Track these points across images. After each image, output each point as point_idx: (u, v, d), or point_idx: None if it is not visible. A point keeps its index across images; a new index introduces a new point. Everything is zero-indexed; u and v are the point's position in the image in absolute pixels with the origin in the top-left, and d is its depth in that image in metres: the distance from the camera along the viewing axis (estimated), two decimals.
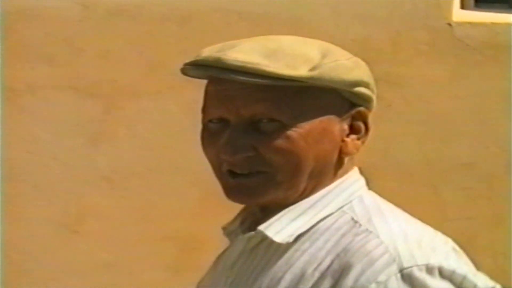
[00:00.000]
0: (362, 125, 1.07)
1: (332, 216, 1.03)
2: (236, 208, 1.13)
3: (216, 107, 1.04)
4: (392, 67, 2.50)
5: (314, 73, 1.00)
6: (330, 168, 1.06)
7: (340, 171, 1.07)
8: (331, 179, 1.06)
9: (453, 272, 0.96)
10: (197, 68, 1.03)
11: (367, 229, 1.00)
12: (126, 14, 2.47)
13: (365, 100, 1.07)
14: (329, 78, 1.01)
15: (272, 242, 1.02)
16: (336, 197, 1.05)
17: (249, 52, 1.00)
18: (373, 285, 0.94)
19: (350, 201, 1.05)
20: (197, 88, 2.44)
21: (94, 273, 2.53)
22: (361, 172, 1.11)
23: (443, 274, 0.95)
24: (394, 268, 0.94)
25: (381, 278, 0.94)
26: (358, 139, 1.07)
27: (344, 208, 1.04)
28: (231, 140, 1.01)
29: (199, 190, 2.47)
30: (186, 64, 1.05)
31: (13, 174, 2.52)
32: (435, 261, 0.95)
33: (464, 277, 0.96)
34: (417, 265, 0.95)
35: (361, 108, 1.06)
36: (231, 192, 1.04)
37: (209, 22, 2.44)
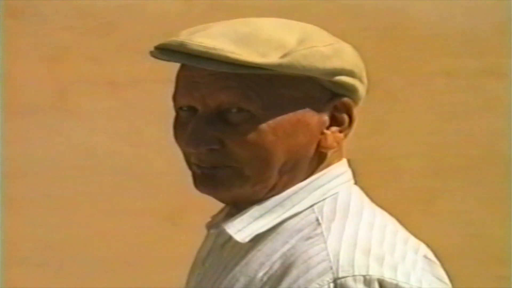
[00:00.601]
0: (345, 117, 0.98)
1: (301, 214, 0.97)
2: None
3: (184, 95, 0.98)
4: (498, 58, 2.48)
5: (284, 61, 0.92)
6: (306, 163, 0.98)
7: (320, 166, 0.99)
8: (306, 174, 0.99)
9: (396, 285, 0.88)
10: (162, 52, 0.96)
11: (321, 233, 0.93)
12: (228, 8, 2.51)
13: (349, 90, 0.98)
14: (300, 66, 0.93)
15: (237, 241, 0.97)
16: (309, 194, 0.97)
17: (217, 36, 0.93)
18: None
19: (324, 199, 0.98)
20: None
21: None
22: (350, 165, 1.03)
23: (383, 286, 0.87)
24: (328, 277, 0.88)
25: (313, 286, 0.88)
26: (341, 131, 0.99)
27: (315, 207, 0.97)
28: (194, 131, 0.95)
29: None
30: (154, 47, 0.99)
31: (116, 167, 2.60)
32: (375, 272, 0.87)
33: None
34: (353, 276, 0.87)
35: (345, 99, 0.98)
36: (198, 183, 0.99)
37: (312, 14, 2.46)
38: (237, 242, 0.97)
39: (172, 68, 2.52)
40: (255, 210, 0.97)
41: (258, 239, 0.96)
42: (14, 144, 2.59)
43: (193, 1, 2.53)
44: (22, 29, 2.54)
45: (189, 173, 2.56)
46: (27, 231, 2.61)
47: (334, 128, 0.98)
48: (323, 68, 0.94)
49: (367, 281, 0.86)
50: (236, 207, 1.00)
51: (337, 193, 0.98)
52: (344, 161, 1.02)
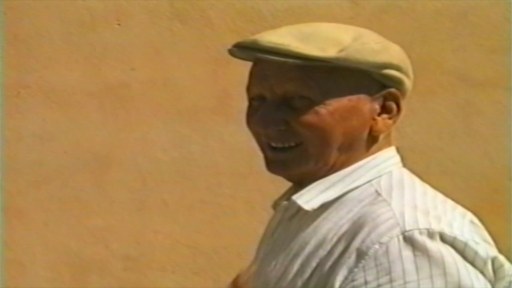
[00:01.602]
0: (394, 106, 1.14)
1: (360, 188, 1.12)
2: None
3: (255, 86, 1.15)
4: None
5: (340, 55, 1.08)
6: (361, 144, 1.14)
7: (373, 148, 1.15)
8: (362, 155, 1.15)
9: (454, 238, 1.03)
10: (239, 50, 1.15)
11: (384, 200, 1.08)
12: (398, 10, 2.50)
13: (396, 82, 1.14)
14: (354, 60, 1.09)
15: (306, 212, 1.12)
16: (366, 172, 1.13)
17: (284, 35, 1.10)
18: (377, 245, 1.02)
19: (380, 176, 1.13)
20: (472, 88, 2.50)
21: None
22: (398, 151, 1.18)
23: (444, 239, 1.02)
24: (396, 231, 1.02)
25: (384, 239, 1.02)
26: (390, 118, 1.15)
27: (372, 182, 1.13)
28: (264, 114, 1.12)
29: (470, 197, 2.42)
30: (232, 46, 1.16)
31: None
32: (436, 227, 1.02)
33: (466, 244, 1.03)
34: (419, 229, 1.02)
35: (392, 90, 1.14)
36: (269, 165, 1.17)
37: (488, 16, 2.43)
38: (304, 214, 1.13)
39: None
40: (320, 184, 1.13)
41: (323, 209, 1.12)
42: (175, 147, 2.64)
43: (361, 4, 2.53)
44: (188, 32, 2.59)
45: None
46: (184, 236, 2.64)
47: (384, 115, 1.14)
48: (373, 61, 1.10)
49: (430, 234, 1.02)
50: (301, 186, 1.14)
51: (390, 171, 1.14)
52: (393, 148, 1.19)
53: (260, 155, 2.51)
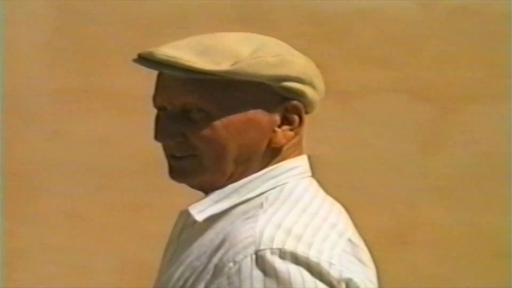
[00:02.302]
0: (296, 117, 1.17)
1: (252, 200, 1.14)
2: None
3: (158, 97, 1.17)
4: None
5: (231, 68, 1.10)
6: (259, 156, 1.16)
7: (274, 159, 1.17)
8: (261, 166, 1.16)
9: (307, 258, 1.05)
10: (139, 60, 1.15)
11: (257, 215, 1.11)
12: (469, 12, 2.49)
13: (297, 94, 1.16)
14: (245, 73, 1.11)
15: (200, 222, 1.15)
16: (262, 183, 1.15)
17: (181, 47, 1.12)
18: (231, 263, 1.06)
19: (274, 187, 1.15)
20: None
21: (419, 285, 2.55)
22: (309, 160, 1.20)
23: (297, 259, 1.05)
24: (251, 249, 1.05)
25: (238, 257, 1.06)
26: (291, 130, 1.17)
27: (264, 194, 1.14)
28: (162, 126, 1.15)
29: None
30: (137, 55, 1.17)
31: (340, 180, 2.60)
32: (289, 247, 1.05)
33: (318, 264, 1.06)
34: (271, 249, 1.05)
35: (294, 102, 1.16)
36: (171, 173, 1.18)
37: None
38: (200, 224, 1.16)
39: (406, 76, 2.54)
40: (214, 195, 1.15)
41: (214, 219, 1.15)
42: None
43: (431, 6, 2.51)
44: None
45: (417, 188, 2.55)
46: None
47: (285, 127, 1.16)
48: (267, 74, 1.12)
49: (282, 253, 1.05)
50: (205, 194, 1.17)
51: (286, 183, 1.15)
52: (302, 157, 1.20)
53: (322, 159, 2.54)
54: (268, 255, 1.05)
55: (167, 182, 2.64)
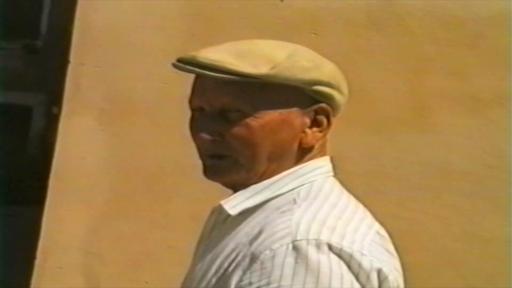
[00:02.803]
0: (324, 120, 1.24)
1: (282, 196, 1.22)
2: None
3: (196, 98, 1.25)
4: None
5: (271, 72, 1.18)
6: (290, 155, 1.24)
7: (303, 158, 1.25)
8: (291, 165, 1.24)
9: (341, 249, 1.12)
10: (180, 65, 1.23)
11: (292, 209, 1.18)
12: None
13: (327, 98, 1.23)
14: (284, 77, 1.18)
15: (233, 216, 1.23)
16: (292, 181, 1.23)
17: (221, 51, 1.20)
18: (267, 251, 1.13)
19: (303, 185, 1.22)
20: None
21: None
22: (332, 161, 1.27)
23: (332, 250, 1.11)
24: (288, 239, 1.12)
25: (275, 246, 1.13)
26: (320, 131, 1.24)
27: (294, 191, 1.22)
28: (201, 125, 1.22)
29: None
30: (176, 60, 1.25)
31: (470, 189, 2.56)
32: (325, 238, 1.12)
33: (351, 255, 1.12)
34: (307, 239, 1.12)
35: (323, 105, 1.23)
36: (206, 172, 1.26)
37: None
38: (233, 218, 1.24)
39: None
40: (247, 191, 1.23)
41: (247, 215, 1.22)
42: (366, 160, 2.65)
43: None
44: (385, 41, 2.61)
45: None
46: None
47: (314, 129, 1.24)
48: (303, 78, 1.20)
49: (317, 244, 1.11)
50: (234, 192, 1.25)
51: (314, 180, 1.23)
52: (326, 157, 1.28)
53: (450, 168, 2.51)
54: (303, 245, 1.12)
55: None
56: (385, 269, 1.16)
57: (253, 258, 1.15)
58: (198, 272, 1.27)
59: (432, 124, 2.53)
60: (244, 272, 1.15)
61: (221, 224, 1.30)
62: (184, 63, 1.23)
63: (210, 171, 1.26)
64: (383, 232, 1.24)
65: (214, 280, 1.22)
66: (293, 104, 1.23)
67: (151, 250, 2.88)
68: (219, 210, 1.27)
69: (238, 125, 1.21)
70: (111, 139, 2.88)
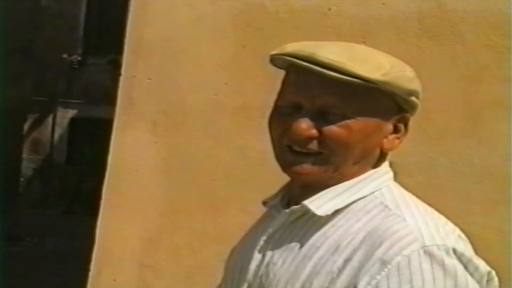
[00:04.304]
0: (403, 128, 1.34)
1: (365, 199, 1.29)
2: None
3: (293, 94, 1.29)
4: None
5: (385, 78, 1.25)
6: (370, 159, 1.33)
7: (378, 163, 1.34)
8: (368, 168, 1.32)
9: (462, 254, 1.21)
10: (287, 60, 1.27)
11: (395, 213, 1.25)
12: None
13: (413, 108, 1.34)
14: (395, 85, 1.27)
15: (311, 216, 1.29)
16: (368, 184, 1.31)
17: (337, 53, 1.25)
18: (399, 257, 1.19)
19: (380, 189, 1.30)
20: None
21: None
22: (391, 166, 1.36)
23: (456, 254, 1.20)
24: (417, 245, 1.19)
25: (406, 252, 1.19)
26: (398, 138, 1.34)
27: (375, 194, 1.30)
28: (302, 120, 1.26)
29: None
30: (277, 54, 1.30)
31: None
32: (450, 244, 1.21)
33: (470, 260, 1.22)
34: (437, 245, 1.20)
35: (407, 114, 1.34)
36: (287, 166, 1.31)
37: None
38: (310, 219, 1.30)
39: None
40: (329, 192, 1.30)
41: (331, 216, 1.29)
42: (420, 171, 2.64)
43: None
44: (437, 48, 2.60)
45: None
46: None
47: (394, 135, 1.33)
48: (408, 88, 1.29)
49: (447, 249, 1.20)
50: (303, 190, 1.31)
51: (388, 185, 1.32)
52: (387, 163, 1.37)
53: (505, 178, 2.47)
54: (436, 251, 1.20)
55: None
56: (492, 271, 1.26)
57: (384, 263, 1.20)
58: (281, 272, 1.31)
59: (488, 133, 2.50)
60: (373, 277, 1.20)
61: (287, 226, 1.34)
62: (299, 59, 1.27)
63: (295, 165, 1.30)
64: (463, 235, 1.31)
65: (315, 282, 1.25)
66: (385, 111, 1.31)
67: (205, 263, 2.93)
68: (291, 211, 1.33)
69: (339, 126, 1.27)
70: (164, 151, 2.95)
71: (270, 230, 1.36)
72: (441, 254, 1.20)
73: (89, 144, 16.91)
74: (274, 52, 1.32)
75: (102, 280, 2.95)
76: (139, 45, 2.94)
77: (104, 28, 17.50)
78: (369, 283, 1.19)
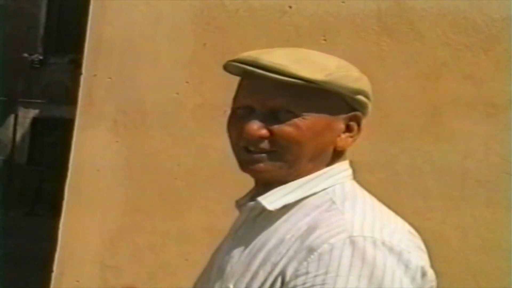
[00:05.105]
0: (355, 126, 1.38)
1: (317, 195, 1.34)
2: None
3: (246, 97, 1.35)
4: None
5: (328, 78, 1.30)
6: (324, 157, 1.37)
7: (333, 161, 1.38)
8: (323, 166, 1.37)
9: (391, 247, 1.22)
10: (236, 65, 1.33)
11: (337, 208, 1.30)
12: None
13: (363, 107, 1.38)
14: (339, 84, 1.32)
15: (268, 212, 1.35)
16: (323, 181, 1.35)
17: (280, 56, 1.31)
18: (325, 245, 1.24)
19: (334, 185, 1.35)
20: None
21: None
22: (351, 165, 1.40)
23: (384, 246, 1.21)
24: (344, 235, 1.23)
25: (332, 240, 1.23)
26: (351, 137, 1.38)
27: (328, 190, 1.35)
28: (254, 122, 1.32)
29: None
30: (228, 61, 1.36)
31: (489, 197, 2.55)
32: (379, 236, 1.23)
33: (400, 253, 1.23)
34: (363, 236, 1.23)
35: (358, 113, 1.38)
36: (244, 165, 1.37)
37: None
38: (267, 215, 1.36)
39: None
40: (283, 188, 1.35)
41: (284, 212, 1.35)
42: (381, 168, 2.65)
43: None
44: (396, 46, 2.62)
45: None
46: None
47: (347, 134, 1.38)
48: (352, 87, 1.34)
49: (373, 241, 1.22)
50: (266, 187, 1.36)
51: (343, 183, 1.36)
52: (347, 161, 1.41)
53: (468, 176, 2.50)
54: (360, 241, 1.23)
55: None
56: (425, 266, 1.27)
57: (310, 251, 1.25)
58: (238, 265, 1.38)
59: (447, 130, 2.53)
60: (300, 263, 1.25)
61: (251, 221, 1.41)
62: (245, 64, 1.33)
63: (250, 166, 1.36)
64: (413, 231, 1.34)
65: (261, 272, 1.31)
66: (336, 110, 1.36)
67: (167, 262, 2.92)
68: (251, 207, 1.40)
69: (289, 125, 1.33)
70: (125, 150, 2.94)
71: (236, 227, 1.45)
72: (364, 244, 1.23)
73: (51, 144, 16.76)
74: (227, 60, 1.38)
75: (64, 281, 2.93)
76: (99, 44, 2.92)
77: (64, 28, 17.35)
78: (296, 269, 1.25)
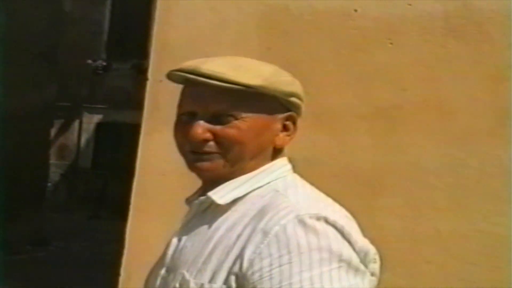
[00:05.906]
0: (291, 126, 1.55)
1: (262, 188, 1.50)
2: None
3: (190, 104, 1.51)
4: None
5: (264, 83, 1.47)
6: (265, 154, 1.53)
7: (274, 157, 1.54)
8: (265, 162, 1.53)
9: (335, 222, 1.40)
10: (179, 74, 1.50)
11: (282, 194, 1.46)
12: None
13: (296, 107, 1.55)
14: (272, 88, 1.48)
15: (217, 206, 1.50)
16: (267, 175, 1.51)
17: (219, 65, 1.46)
18: (277, 226, 1.39)
19: (276, 179, 1.51)
20: None
21: None
22: (290, 161, 1.56)
23: (329, 222, 1.39)
24: (292, 215, 1.39)
25: (282, 222, 1.39)
26: (288, 135, 1.55)
27: (271, 183, 1.50)
28: (197, 126, 1.46)
29: None
30: (171, 70, 1.53)
31: None
32: (323, 214, 1.40)
33: (342, 227, 1.40)
34: (309, 214, 1.40)
35: (293, 113, 1.55)
36: (192, 166, 1.52)
37: None
38: (216, 208, 1.51)
39: None
40: (232, 183, 1.50)
41: (232, 204, 1.49)
42: (449, 172, 2.62)
43: None
44: (463, 49, 2.58)
45: None
46: (458, 269, 2.60)
47: (284, 133, 1.54)
48: (286, 90, 1.51)
49: (318, 217, 1.39)
50: (214, 185, 1.50)
51: (285, 176, 1.53)
52: (285, 158, 1.57)
53: None
54: (307, 219, 1.39)
55: (374, 203, 2.67)
56: (366, 245, 1.45)
57: (265, 233, 1.39)
58: (189, 252, 1.51)
59: None
60: (257, 246, 1.39)
61: (200, 214, 1.56)
62: (187, 73, 1.48)
63: (199, 165, 1.51)
64: (349, 215, 1.49)
65: (213, 257, 1.45)
66: (273, 112, 1.52)
67: None
68: (201, 201, 1.54)
69: (230, 127, 1.48)
70: None
71: (186, 221, 1.59)
72: (312, 221, 1.38)
73: (114, 149, 16.99)
74: (170, 70, 1.53)
75: (132, 285, 2.96)
76: (164, 49, 2.95)
77: (126, 34, 17.59)
78: (254, 252, 1.38)
